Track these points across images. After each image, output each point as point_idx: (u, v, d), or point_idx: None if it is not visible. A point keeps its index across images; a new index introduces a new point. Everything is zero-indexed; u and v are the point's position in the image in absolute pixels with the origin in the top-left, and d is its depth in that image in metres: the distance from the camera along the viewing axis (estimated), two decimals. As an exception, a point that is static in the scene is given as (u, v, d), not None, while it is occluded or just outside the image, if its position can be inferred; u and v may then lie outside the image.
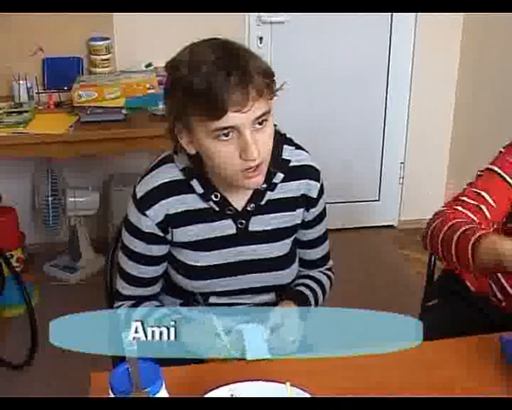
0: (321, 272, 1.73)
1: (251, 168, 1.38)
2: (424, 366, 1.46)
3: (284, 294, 1.62)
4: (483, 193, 1.62)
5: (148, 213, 1.49)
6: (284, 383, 1.25)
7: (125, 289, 1.60)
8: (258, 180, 1.43)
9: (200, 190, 1.49)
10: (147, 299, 1.61)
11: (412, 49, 3.60)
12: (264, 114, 1.36)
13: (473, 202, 1.62)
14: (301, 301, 1.60)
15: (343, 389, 1.30)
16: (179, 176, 1.50)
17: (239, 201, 1.52)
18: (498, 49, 3.29)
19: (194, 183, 1.49)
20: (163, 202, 1.49)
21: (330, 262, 1.75)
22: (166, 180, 1.49)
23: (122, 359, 1.11)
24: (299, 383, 1.25)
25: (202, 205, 1.51)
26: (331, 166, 3.34)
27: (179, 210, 1.50)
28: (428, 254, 2.02)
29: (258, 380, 1.27)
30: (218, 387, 1.25)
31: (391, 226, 3.94)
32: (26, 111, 2.96)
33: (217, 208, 1.51)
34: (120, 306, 1.61)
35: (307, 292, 1.64)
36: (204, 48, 1.36)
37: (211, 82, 1.30)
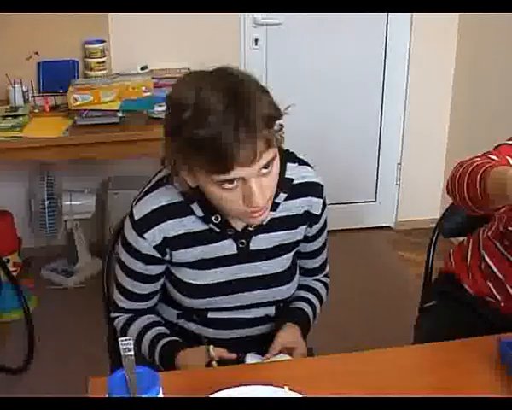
0: (318, 280, 1.74)
1: (255, 211, 1.36)
2: (423, 369, 1.46)
3: (284, 313, 1.64)
4: (507, 158, 1.54)
5: (145, 236, 1.46)
6: (282, 387, 1.25)
7: (122, 302, 1.60)
8: (262, 218, 1.41)
9: (200, 213, 1.46)
10: (143, 312, 1.61)
11: (408, 50, 3.60)
12: (271, 160, 1.32)
13: (497, 158, 1.54)
14: (302, 320, 1.63)
15: (341, 394, 1.29)
16: (178, 198, 1.46)
17: (240, 222, 1.49)
18: (494, 49, 3.29)
19: (195, 206, 1.46)
20: (162, 225, 1.46)
21: (327, 268, 1.75)
22: (165, 203, 1.46)
23: (120, 364, 1.11)
24: (297, 388, 1.24)
25: (202, 227, 1.48)
26: (328, 168, 3.33)
27: (179, 233, 1.47)
28: (426, 254, 2.02)
29: (257, 385, 1.26)
30: (216, 392, 1.24)
31: (388, 227, 3.94)
32: (22, 115, 2.95)
33: (217, 230, 1.48)
34: (117, 317, 1.61)
35: (306, 309, 1.66)
36: (210, 93, 1.27)
37: (218, 138, 1.24)
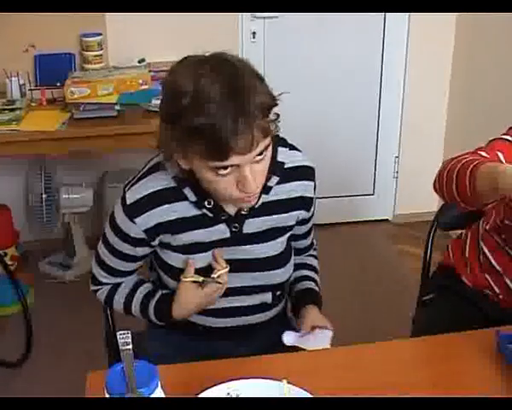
0: (310, 255, 1.78)
1: (248, 196, 1.38)
2: (421, 362, 1.46)
3: (296, 297, 1.69)
4: (498, 153, 1.56)
5: (136, 220, 1.47)
6: (281, 380, 1.25)
7: (103, 277, 1.62)
8: (252, 202, 1.43)
9: (193, 197, 1.47)
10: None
11: (406, 43, 3.59)
12: (265, 148, 1.33)
13: (487, 155, 1.55)
14: (316, 299, 1.68)
15: (340, 387, 1.29)
16: (171, 183, 1.46)
17: (232, 206, 1.50)
18: (490, 46, 3.32)
19: (187, 190, 1.46)
20: (154, 210, 1.46)
21: (314, 241, 1.79)
22: (158, 188, 1.46)
23: (118, 358, 1.10)
24: (295, 382, 1.24)
25: (195, 212, 1.49)
26: (326, 162, 3.33)
27: (172, 218, 1.48)
28: (423, 247, 2.02)
29: (255, 378, 1.26)
30: (214, 385, 1.24)
31: (386, 221, 3.94)
32: (19, 108, 2.94)
33: (210, 214, 1.49)
34: (99, 289, 1.65)
35: (313, 286, 1.71)
36: (209, 82, 1.27)
37: (217, 127, 1.25)
